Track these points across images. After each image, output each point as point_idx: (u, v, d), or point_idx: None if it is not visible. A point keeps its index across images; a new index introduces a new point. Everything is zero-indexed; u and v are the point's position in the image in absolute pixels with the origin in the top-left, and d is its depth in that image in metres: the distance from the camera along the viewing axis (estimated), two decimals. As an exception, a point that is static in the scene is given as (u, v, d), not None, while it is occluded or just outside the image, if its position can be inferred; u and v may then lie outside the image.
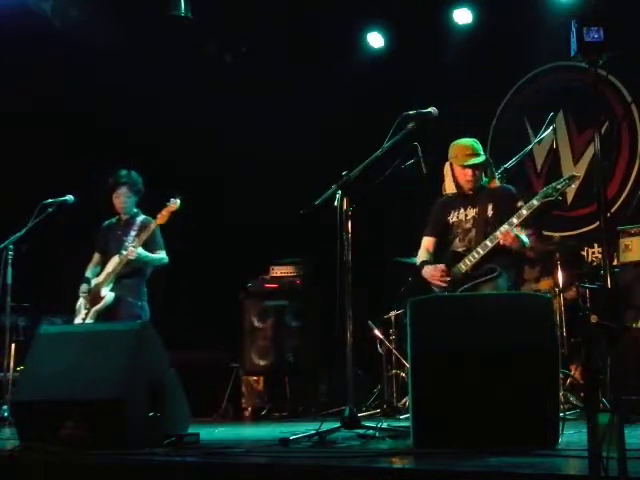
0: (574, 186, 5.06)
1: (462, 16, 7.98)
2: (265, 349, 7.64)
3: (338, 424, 4.20)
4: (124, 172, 6.35)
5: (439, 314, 3.71)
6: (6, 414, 6.06)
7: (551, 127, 5.86)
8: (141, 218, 6.35)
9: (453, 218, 5.11)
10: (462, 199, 5.11)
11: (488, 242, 4.87)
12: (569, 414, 4.85)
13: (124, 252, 6.09)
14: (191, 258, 8.51)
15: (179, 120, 8.20)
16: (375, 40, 8.50)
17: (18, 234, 6.34)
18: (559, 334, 5.88)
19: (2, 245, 6.34)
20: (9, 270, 6.35)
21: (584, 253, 7.43)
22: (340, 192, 4.44)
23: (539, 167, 8.00)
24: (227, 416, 7.33)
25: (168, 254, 6.32)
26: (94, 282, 6.24)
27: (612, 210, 6.48)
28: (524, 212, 4.82)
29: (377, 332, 6.60)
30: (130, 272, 6.18)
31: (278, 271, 7.84)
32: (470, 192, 5.08)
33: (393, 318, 6.57)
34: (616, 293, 4.72)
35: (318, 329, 7.54)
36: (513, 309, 3.66)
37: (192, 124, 8.34)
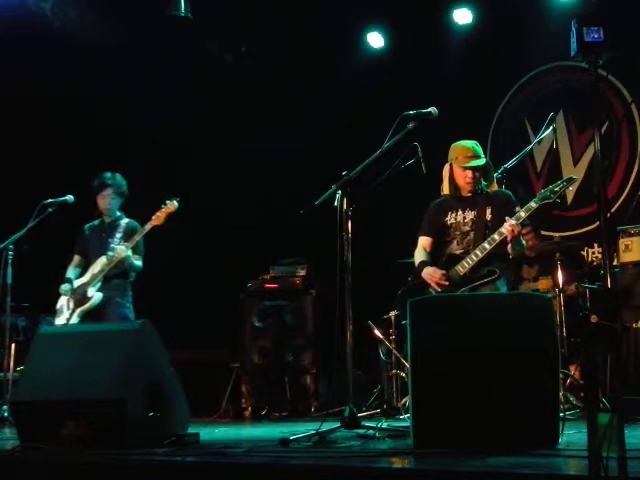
0: (572, 188, 5.06)
1: (462, 16, 7.99)
2: (265, 349, 7.64)
3: (338, 424, 4.20)
4: (109, 174, 6.41)
5: (439, 314, 3.71)
6: (6, 414, 6.06)
7: (551, 127, 5.86)
8: (126, 221, 6.42)
9: (451, 219, 5.09)
10: (460, 201, 5.09)
11: (486, 245, 4.86)
12: (569, 414, 4.84)
13: (111, 253, 6.12)
14: (191, 258, 8.53)
15: (179, 120, 8.21)
16: (375, 40, 8.50)
17: (18, 234, 6.35)
18: (559, 334, 5.89)
19: (2, 245, 6.34)
20: (9, 270, 6.35)
21: (584, 253, 7.43)
22: (340, 192, 4.44)
23: (539, 167, 8.01)
24: (227, 416, 7.33)
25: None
26: (78, 283, 6.28)
27: (612, 210, 6.48)
28: (522, 214, 4.82)
29: (377, 332, 6.60)
30: (118, 273, 6.23)
31: (278, 271, 7.84)
32: (469, 194, 5.07)
33: (393, 318, 6.57)
34: (616, 293, 4.72)
35: (318, 329, 7.54)
36: (513, 309, 3.66)
37: (192, 124, 8.35)
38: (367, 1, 8.03)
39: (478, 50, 7.97)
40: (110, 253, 6.12)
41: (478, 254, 4.88)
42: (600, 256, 7.02)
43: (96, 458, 3.62)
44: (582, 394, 5.59)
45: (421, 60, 8.22)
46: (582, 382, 5.74)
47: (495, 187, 5.18)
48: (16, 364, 7.02)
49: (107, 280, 6.19)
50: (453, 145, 5.12)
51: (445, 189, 5.13)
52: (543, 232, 7.35)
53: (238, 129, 8.40)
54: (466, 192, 5.06)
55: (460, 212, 5.07)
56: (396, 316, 6.46)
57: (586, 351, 2.65)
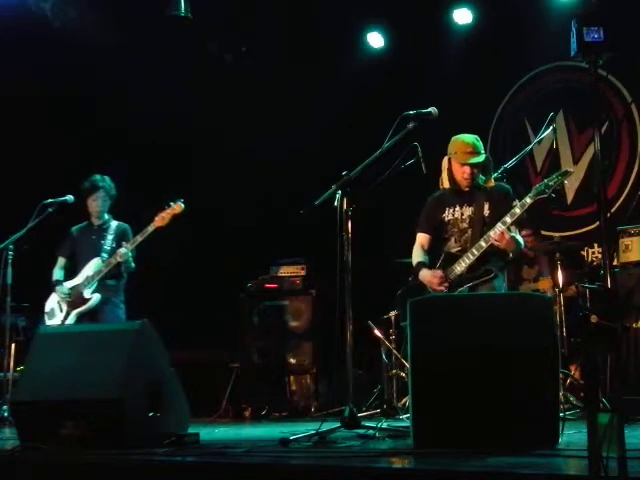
0: (569, 184, 5.05)
1: (462, 16, 7.98)
2: (265, 349, 7.64)
3: (338, 424, 4.20)
4: (99, 177, 6.45)
5: (439, 314, 3.71)
6: (6, 414, 6.06)
7: (551, 127, 5.86)
8: (115, 223, 6.48)
9: (448, 216, 5.06)
10: (458, 196, 5.06)
11: (482, 242, 4.85)
12: (569, 414, 4.84)
13: (105, 255, 6.18)
14: (191, 258, 8.52)
15: (179, 120, 8.21)
16: (375, 40, 8.50)
17: (18, 234, 6.36)
18: (559, 334, 5.88)
19: (2, 245, 6.35)
20: (9, 270, 6.36)
21: (584, 253, 7.43)
22: (340, 192, 4.44)
23: (539, 167, 8.01)
24: (227, 416, 7.33)
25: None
26: (70, 285, 6.32)
27: (612, 210, 6.48)
28: (517, 210, 4.80)
29: (377, 332, 6.60)
30: (112, 274, 6.27)
31: (278, 271, 7.84)
32: (466, 189, 5.05)
33: (393, 318, 6.57)
34: (616, 293, 4.72)
35: (318, 329, 7.54)
36: (513, 309, 3.66)
37: (192, 124, 8.35)
38: (367, 1, 8.03)
39: (478, 50, 7.97)
40: (105, 255, 6.17)
41: (475, 253, 4.86)
42: (600, 256, 7.01)
43: (96, 458, 3.62)
44: (582, 394, 5.59)
45: (421, 60, 8.22)
46: (582, 382, 5.73)
47: (492, 182, 5.14)
48: (16, 364, 7.02)
49: (102, 281, 6.22)
50: (454, 138, 5.08)
51: (444, 182, 5.12)
52: (543, 232, 7.35)
53: (238, 129, 8.40)
54: (464, 187, 5.04)
55: (458, 208, 5.05)
56: (396, 316, 6.46)
57: (586, 351, 2.65)
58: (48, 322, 6.27)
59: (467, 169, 4.97)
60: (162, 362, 4.40)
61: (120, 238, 6.30)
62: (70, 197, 6.47)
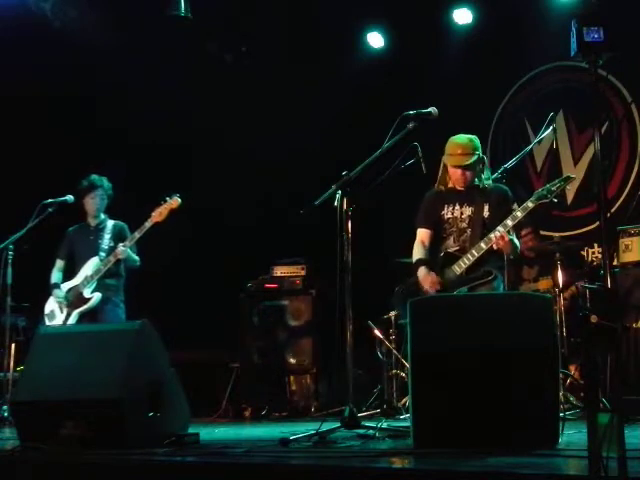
0: (569, 187, 5.05)
1: (462, 16, 7.98)
2: (265, 349, 7.64)
3: (338, 424, 4.20)
4: (96, 176, 6.45)
5: (439, 314, 3.71)
6: (6, 414, 6.06)
7: (551, 127, 5.85)
8: (112, 222, 6.48)
9: (448, 214, 5.05)
10: (456, 195, 5.06)
11: (482, 244, 4.85)
12: (569, 414, 4.84)
13: (104, 254, 6.17)
14: (191, 258, 8.52)
15: (179, 120, 8.21)
16: (375, 40, 8.50)
17: (18, 234, 6.36)
18: (559, 334, 5.88)
19: (2, 245, 6.35)
20: (9, 270, 6.36)
21: (584, 253, 7.43)
22: (340, 192, 4.43)
23: (539, 167, 8.01)
24: (227, 416, 7.33)
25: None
26: (68, 286, 6.33)
27: (612, 210, 6.48)
28: (518, 214, 4.80)
29: (377, 332, 6.60)
30: (112, 274, 6.28)
31: (278, 271, 7.84)
32: (463, 189, 5.05)
33: (393, 318, 6.57)
34: (616, 293, 4.72)
35: (318, 329, 7.54)
36: (513, 309, 3.66)
37: (192, 124, 8.35)
38: (367, 1, 8.03)
39: (478, 50, 7.97)
40: (103, 254, 6.18)
41: (475, 254, 4.86)
42: (600, 256, 7.02)
43: (96, 458, 3.62)
44: (582, 394, 5.59)
45: (421, 60, 8.22)
46: (582, 382, 5.73)
47: (490, 183, 5.14)
48: (16, 364, 7.02)
49: (102, 281, 6.22)
50: (449, 140, 5.09)
51: (442, 182, 5.12)
52: (543, 232, 7.35)
53: (238, 129, 8.40)
54: (460, 187, 5.05)
55: (457, 207, 5.04)
56: (396, 316, 6.46)
57: (586, 351, 2.65)
58: (49, 323, 6.27)
59: (459, 171, 4.98)
60: (162, 362, 4.40)
61: (117, 237, 6.31)
62: (70, 197, 6.47)
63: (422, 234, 5.17)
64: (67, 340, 4.43)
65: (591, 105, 3.60)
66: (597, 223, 3.39)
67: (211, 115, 8.27)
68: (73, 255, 6.44)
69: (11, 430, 5.16)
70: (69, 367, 4.15)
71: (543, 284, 6.82)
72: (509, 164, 5.77)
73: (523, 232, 6.74)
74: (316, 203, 4.48)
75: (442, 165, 5.09)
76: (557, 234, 6.97)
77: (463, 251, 4.94)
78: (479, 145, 5.05)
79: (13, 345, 7.05)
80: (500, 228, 4.77)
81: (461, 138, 5.03)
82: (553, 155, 7.63)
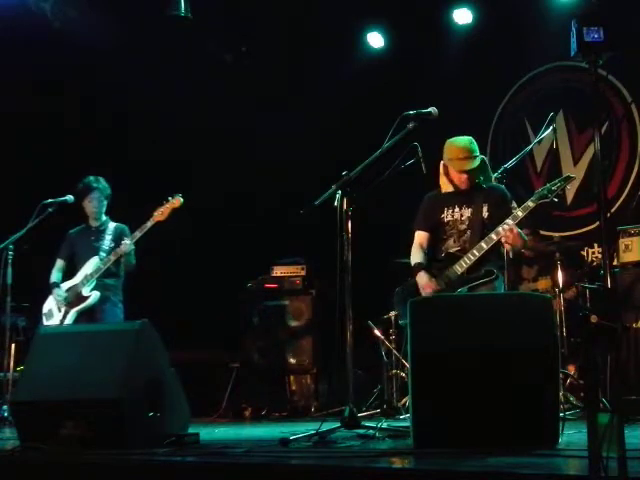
0: (570, 187, 5.05)
1: (462, 16, 7.99)
2: (265, 349, 7.64)
3: (338, 424, 4.19)
4: (93, 178, 6.44)
5: (439, 314, 3.71)
6: (6, 414, 6.06)
7: (551, 127, 5.85)
8: (114, 224, 6.49)
9: (447, 217, 5.06)
10: (455, 197, 5.06)
11: (483, 244, 4.85)
12: (569, 414, 4.84)
13: (104, 254, 6.23)
14: (191, 258, 8.52)
15: (179, 120, 8.21)
16: (375, 40, 8.50)
17: (18, 234, 6.36)
18: (559, 334, 5.88)
19: (2, 245, 6.35)
20: (9, 270, 6.36)
21: (584, 253, 7.43)
22: (340, 192, 4.43)
23: (539, 167, 8.01)
24: (227, 416, 7.33)
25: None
26: (68, 285, 6.33)
27: (612, 210, 6.48)
28: (520, 214, 4.80)
29: (377, 332, 6.60)
30: (111, 273, 6.29)
31: (278, 271, 7.84)
32: (465, 190, 5.06)
33: (393, 318, 6.57)
34: (616, 293, 4.72)
35: (318, 329, 7.54)
36: (513, 309, 3.66)
37: (192, 124, 8.35)
38: (367, 1, 8.03)
39: (478, 50, 7.97)
40: (103, 254, 6.19)
41: (475, 254, 4.86)
42: (600, 256, 7.02)
43: (96, 458, 3.61)
44: (582, 394, 5.59)
45: (421, 60, 8.22)
46: (582, 382, 5.73)
47: (488, 182, 5.14)
48: (16, 364, 7.02)
49: (101, 280, 6.22)
50: (447, 143, 5.08)
51: (443, 187, 5.13)
52: (543, 232, 7.35)
53: (238, 129, 8.40)
54: (463, 188, 5.05)
55: (457, 209, 5.05)
56: (396, 316, 6.46)
57: (586, 351, 2.65)
58: (46, 323, 6.27)
59: (464, 175, 4.99)
60: (162, 362, 4.40)
61: (118, 239, 6.30)
62: (70, 197, 6.47)
63: (420, 237, 5.17)
64: (67, 340, 4.43)
65: (591, 105, 3.60)
66: (597, 223, 3.40)
67: (211, 115, 8.27)
68: (74, 256, 6.44)
69: (11, 430, 5.16)
70: (69, 367, 4.15)
71: (542, 284, 6.82)
72: (509, 164, 5.77)
73: (524, 231, 6.74)
74: (316, 203, 4.48)
75: (442, 168, 5.09)
76: (557, 234, 6.97)
77: (464, 251, 4.94)
78: (477, 146, 5.06)
79: (13, 345, 7.05)
80: (509, 221, 4.77)
81: (461, 141, 5.03)
82: (553, 155, 7.63)
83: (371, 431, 4.14)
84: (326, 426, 4.16)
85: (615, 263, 5.78)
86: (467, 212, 5.02)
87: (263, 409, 7.35)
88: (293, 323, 7.67)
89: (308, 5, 7.97)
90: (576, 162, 7.77)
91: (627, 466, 2.38)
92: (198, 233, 8.45)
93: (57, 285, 6.36)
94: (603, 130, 6.98)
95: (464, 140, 5.04)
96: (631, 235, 5.84)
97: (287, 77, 8.42)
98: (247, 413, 7.41)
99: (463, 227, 5.01)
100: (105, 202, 6.48)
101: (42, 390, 4.14)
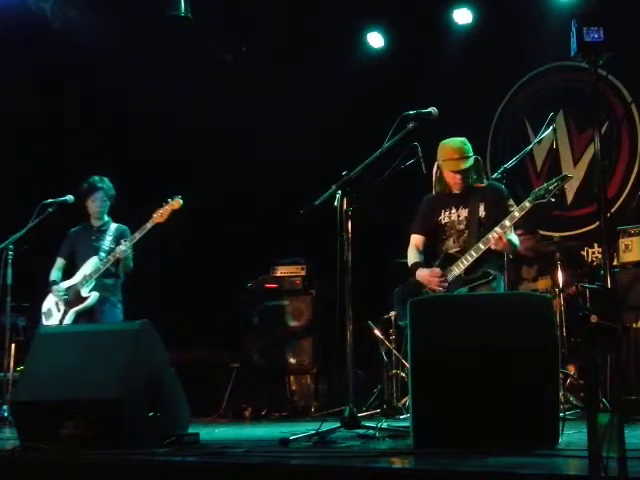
0: (568, 186, 5.05)
1: (462, 16, 7.99)
2: (265, 349, 7.64)
3: (338, 424, 4.19)
4: (97, 178, 6.45)
5: (439, 314, 3.71)
6: (6, 414, 6.06)
7: (551, 127, 5.85)
8: (115, 225, 6.49)
9: (445, 219, 5.08)
10: (452, 198, 5.07)
11: (481, 245, 4.85)
12: (569, 414, 4.84)
13: (103, 254, 6.21)
14: (191, 258, 8.52)
15: (179, 120, 8.21)
16: (375, 40, 8.50)
17: (18, 234, 6.35)
18: (559, 334, 5.88)
19: (2, 245, 6.35)
20: (9, 270, 6.36)
21: (584, 253, 7.43)
22: (340, 192, 4.43)
23: (539, 167, 8.01)
24: (227, 416, 7.33)
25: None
26: (67, 284, 6.33)
27: (612, 210, 6.48)
28: (516, 214, 4.80)
29: (377, 332, 6.60)
30: (110, 274, 6.29)
31: (278, 271, 7.85)
32: (459, 192, 5.06)
33: (393, 318, 6.57)
34: (616, 293, 4.72)
35: (318, 329, 7.54)
36: (513, 309, 3.66)
37: (192, 124, 8.35)
38: (367, 1, 8.03)
39: (478, 50, 7.97)
40: (103, 255, 6.19)
41: (473, 254, 4.86)
42: (600, 256, 7.01)
43: (96, 458, 3.62)
44: (582, 394, 5.59)
45: (421, 60, 8.22)
46: (582, 382, 5.73)
47: (484, 182, 5.14)
48: (16, 364, 7.02)
49: (100, 280, 6.22)
50: (441, 144, 5.09)
51: (437, 188, 5.13)
52: (543, 232, 7.35)
53: (238, 129, 8.40)
54: (456, 190, 5.06)
55: (454, 210, 5.06)
56: (396, 316, 6.46)
57: (586, 351, 2.65)
58: (45, 322, 6.27)
59: (457, 176, 4.99)
60: (162, 362, 4.40)
61: (119, 240, 6.31)
62: (70, 197, 6.47)
63: (416, 239, 5.19)
64: (67, 340, 4.43)
65: (591, 105, 3.60)
66: (597, 223, 3.39)
67: (211, 115, 8.27)
68: (74, 255, 6.44)
69: (11, 430, 5.16)
70: (69, 367, 4.15)
71: (542, 284, 6.82)
72: (509, 164, 5.76)
73: (519, 231, 6.74)
74: (316, 203, 4.48)
75: (436, 170, 5.10)
76: (557, 234, 6.97)
77: (463, 252, 4.94)
78: (471, 147, 5.07)
79: (13, 345, 7.05)
80: (497, 229, 4.77)
81: (455, 142, 5.04)
82: (553, 155, 7.62)
83: (371, 431, 4.14)
84: (326, 426, 4.16)
85: (615, 263, 5.78)
86: (464, 212, 5.03)
87: (263, 409, 7.35)
88: (293, 323, 7.67)
89: (308, 5, 7.97)
90: (576, 162, 7.77)
91: (627, 466, 2.38)
92: (198, 233, 8.45)
93: (56, 283, 6.36)
94: (603, 130, 6.98)
95: (458, 141, 5.05)
96: (631, 235, 5.84)
97: (287, 77, 8.42)
98: (247, 413, 7.41)
99: (461, 227, 5.02)
100: (108, 202, 6.48)
101: (42, 390, 4.14)
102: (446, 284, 4.92)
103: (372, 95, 8.25)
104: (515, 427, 3.39)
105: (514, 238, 4.96)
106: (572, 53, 3.53)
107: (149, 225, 6.13)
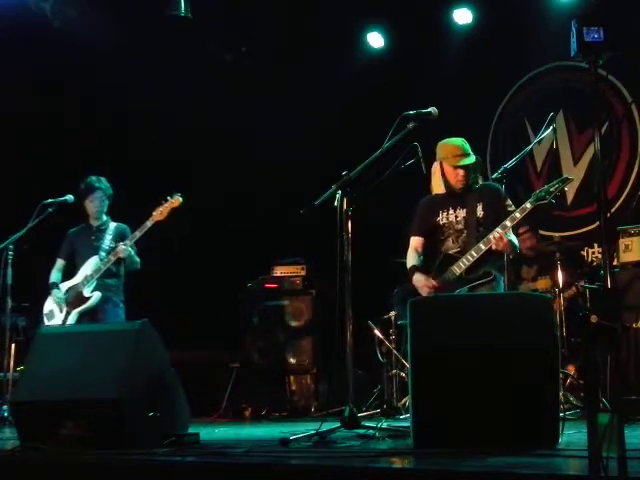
0: (567, 186, 5.05)
1: (462, 16, 7.99)
2: (265, 349, 7.64)
3: (338, 424, 4.19)
4: (95, 178, 6.44)
5: (439, 314, 3.71)
6: (6, 414, 6.06)
7: (551, 127, 5.85)
8: (114, 224, 6.49)
9: (443, 219, 5.07)
10: (450, 199, 5.07)
11: (482, 245, 4.85)
12: (569, 414, 4.84)
13: (104, 254, 6.20)
14: (191, 258, 8.52)
15: (179, 120, 8.21)
16: (375, 40, 8.50)
17: (18, 234, 6.36)
18: (559, 334, 5.88)
19: (2, 245, 6.35)
20: (9, 270, 6.36)
21: (584, 253, 7.43)
22: (340, 192, 4.43)
23: (539, 167, 8.01)
24: (227, 416, 7.33)
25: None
26: (68, 285, 6.33)
27: (612, 210, 6.48)
28: (517, 215, 4.80)
29: (377, 332, 6.60)
30: (112, 274, 6.29)
31: (278, 271, 7.85)
32: (460, 191, 5.06)
33: (393, 318, 6.57)
34: (616, 293, 4.72)
35: (318, 329, 7.54)
36: (513, 309, 3.66)
37: (192, 124, 8.35)
38: (367, 1, 8.03)
39: (478, 50, 7.97)
40: (103, 254, 6.19)
41: (474, 255, 4.86)
42: (600, 256, 7.01)
43: (96, 458, 3.61)
44: (582, 394, 5.59)
45: (421, 60, 8.22)
46: (582, 382, 5.74)
47: (480, 181, 5.15)
48: (16, 364, 7.02)
49: (102, 280, 6.22)
50: (441, 143, 5.09)
51: (435, 188, 5.13)
52: (543, 232, 7.35)
53: (238, 129, 8.40)
54: (458, 189, 5.05)
55: (452, 211, 5.05)
56: (396, 316, 6.46)
57: (586, 351, 2.65)
58: (48, 323, 6.27)
59: (460, 171, 4.99)
60: (162, 362, 4.40)
61: (119, 239, 6.31)
62: (70, 197, 6.47)
63: (415, 242, 5.19)
64: (67, 340, 4.43)
65: (591, 105, 3.60)
66: (597, 223, 3.40)
67: (211, 115, 8.27)
68: (74, 256, 6.44)
69: (11, 430, 5.16)
70: (69, 367, 4.15)
71: (541, 283, 6.83)
72: (509, 164, 5.76)
73: (520, 230, 6.74)
74: (316, 203, 4.48)
75: (436, 169, 5.09)
76: (557, 234, 6.97)
77: (463, 252, 4.94)
78: (470, 147, 5.08)
79: (13, 345, 7.05)
80: (499, 229, 4.78)
81: (455, 140, 5.05)
82: (553, 155, 7.63)
83: (371, 431, 4.14)
84: (326, 426, 4.15)
85: (615, 263, 5.78)
86: (462, 213, 5.03)
87: (263, 409, 7.35)
88: (293, 323, 7.67)
89: (308, 5, 7.97)
90: (576, 162, 7.77)
91: (627, 466, 2.38)
92: (198, 233, 8.45)
93: (56, 285, 6.36)
94: (603, 130, 6.98)
95: (458, 140, 5.07)
96: (631, 235, 5.84)
97: (287, 77, 8.42)
98: (247, 413, 7.42)
99: (460, 227, 5.02)
100: (106, 202, 6.48)
101: (42, 390, 4.14)
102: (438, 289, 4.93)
103: (372, 95, 8.25)
104: (515, 427, 3.39)
105: (514, 239, 4.97)
106: (572, 53, 3.53)
107: (149, 223, 6.13)
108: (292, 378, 7.59)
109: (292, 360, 7.57)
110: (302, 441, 3.98)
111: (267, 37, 8.40)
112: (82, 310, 6.20)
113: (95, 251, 6.29)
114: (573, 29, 3.49)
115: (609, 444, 2.41)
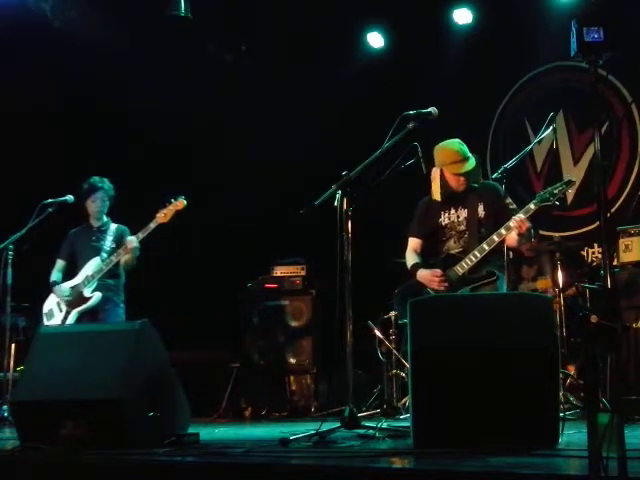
0: (571, 191, 5.07)
1: (462, 16, 7.99)
2: (265, 349, 7.64)
3: (338, 424, 4.19)
4: (97, 178, 6.45)
5: (439, 314, 3.71)
6: (6, 414, 6.06)
7: (551, 127, 5.85)
8: (115, 225, 6.50)
9: (445, 220, 5.09)
10: (451, 200, 5.09)
11: (485, 246, 4.86)
12: (569, 414, 4.84)
13: (105, 255, 6.23)
14: (191, 258, 8.52)
15: (179, 120, 8.21)
16: (375, 40, 8.50)
17: (18, 234, 6.36)
18: (559, 334, 5.88)
19: (2, 245, 6.35)
20: (9, 270, 6.36)
21: (584, 253, 7.43)
22: (340, 192, 4.43)
23: (539, 167, 8.01)
24: (227, 416, 7.33)
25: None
26: (69, 285, 6.33)
27: (612, 210, 6.48)
28: (522, 216, 4.81)
29: (377, 332, 6.59)
30: (112, 274, 6.30)
31: (278, 271, 7.85)
32: (458, 193, 5.07)
33: (393, 318, 6.57)
34: (616, 293, 4.71)
35: (318, 329, 7.54)
36: (513, 309, 3.66)
37: (192, 124, 8.35)
38: (367, 1, 8.03)
39: (478, 50, 7.97)
40: (105, 255, 6.19)
41: (477, 255, 4.88)
42: (600, 256, 7.01)
43: (96, 458, 3.61)
44: (582, 394, 5.59)
45: (421, 60, 8.22)
46: (582, 382, 5.73)
47: (480, 180, 5.16)
48: (16, 364, 7.02)
49: (102, 281, 6.22)
50: (438, 148, 5.10)
51: (436, 194, 5.13)
52: (543, 232, 7.35)
53: (238, 129, 8.40)
54: (459, 192, 5.06)
55: (453, 211, 5.07)
56: (396, 316, 6.46)
57: (586, 351, 2.65)
58: (47, 323, 6.27)
59: (462, 178, 5.00)
60: (162, 362, 4.40)
61: (119, 240, 6.31)
62: (70, 197, 6.47)
63: (414, 243, 5.21)
64: (67, 340, 4.43)
65: (591, 105, 3.60)
66: (597, 223, 3.39)
67: (211, 115, 8.26)
68: (74, 256, 6.44)
69: (11, 430, 5.16)
70: (69, 367, 4.15)
71: (541, 283, 6.83)
72: (509, 164, 5.76)
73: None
74: (316, 203, 4.48)
75: (436, 175, 5.09)
76: (557, 234, 6.96)
77: (465, 252, 4.95)
78: (466, 147, 5.08)
79: (13, 345, 7.05)
80: (521, 214, 4.78)
81: (453, 144, 5.06)
82: (553, 155, 7.63)
83: (371, 431, 4.14)
84: (326, 426, 4.15)
85: (615, 263, 5.78)
86: (463, 213, 5.04)
87: (263, 409, 7.34)
88: (293, 323, 7.67)
89: (308, 5, 7.97)
90: (576, 162, 7.77)
91: (627, 466, 2.38)
92: (198, 233, 8.44)
93: (57, 284, 6.37)
94: (603, 130, 6.97)
95: (455, 143, 5.07)
96: (631, 235, 5.84)
97: (287, 77, 8.42)
98: (247, 413, 7.41)
99: (461, 228, 5.04)
100: (108, 203, 6.48)
101: (42, 390, 4.14)
102: (446, 284, 4.93)
103: (372, 95, 8.25)
104: (515, 427, 3.39)
105: (532, 230, 4.99)
106: (572, 53, 3.53)
107: (153, 225, 6.14)
108: (292, 378, 7.59)
109: (292, 360, 7.57)
110: (302, 441, 3.98)
111: (267, 37, 8.39)
112: (82, 310, 6.21)
113: (96, 252, 6.30)
114: (573, 29, 3.49)
115: (609, 444, 2.41)
